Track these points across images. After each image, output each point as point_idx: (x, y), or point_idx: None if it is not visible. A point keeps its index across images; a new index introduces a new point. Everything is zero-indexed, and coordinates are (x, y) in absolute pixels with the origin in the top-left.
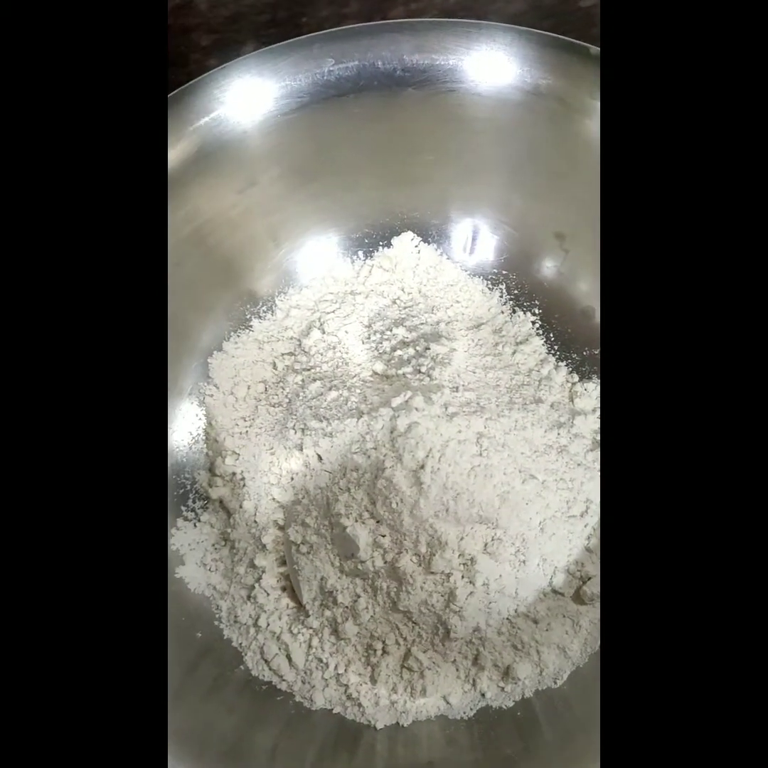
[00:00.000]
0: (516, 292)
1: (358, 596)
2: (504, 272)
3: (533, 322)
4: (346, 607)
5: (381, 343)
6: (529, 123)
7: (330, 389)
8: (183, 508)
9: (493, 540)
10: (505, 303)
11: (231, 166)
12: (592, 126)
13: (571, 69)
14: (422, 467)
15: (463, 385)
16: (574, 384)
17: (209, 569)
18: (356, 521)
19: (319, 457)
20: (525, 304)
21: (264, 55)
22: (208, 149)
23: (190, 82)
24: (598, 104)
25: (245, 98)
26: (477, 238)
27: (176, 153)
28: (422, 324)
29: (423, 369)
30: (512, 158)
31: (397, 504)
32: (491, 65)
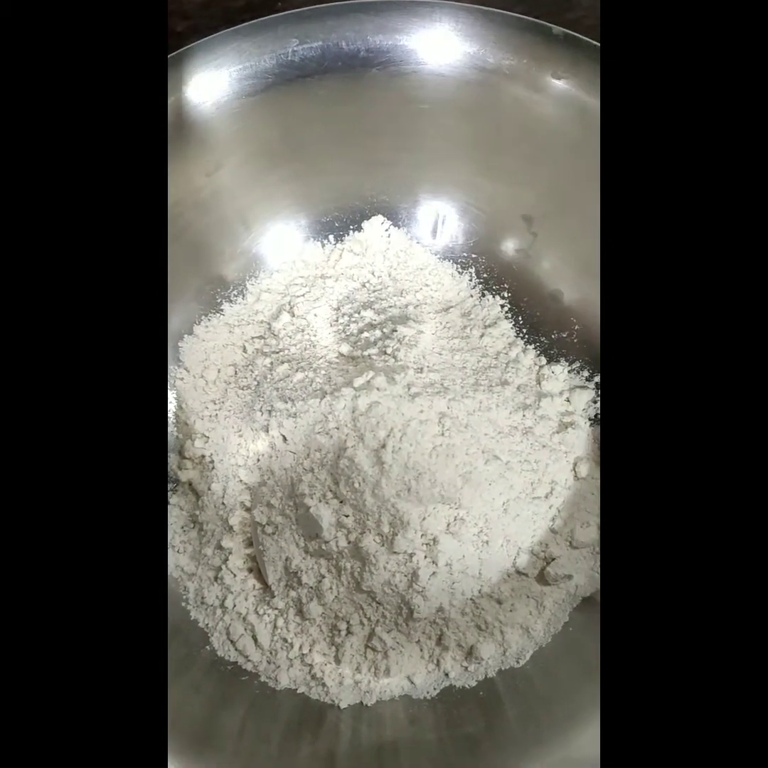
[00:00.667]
0: (485, 275)
1: (323, 576)
2: (473, 256)
3: (502, 306)
4: (311, 587)
5: (349, 325)
6: (492, 104)
7: (297, 371)
8: None
9: (455, 520)
10: (474, 287)
11: (198, 148)
12: (553, 107)
13: (534, 49)
14: (383, 446)
15: (428, 367)
16: (541, 367)
17: (178, 551)
18: (320, 501)
19: (284, 438)
20: (494, 287)
21: (228, 36)
22: (173, 131)
23: None
24: (559, 84)
25: (210, 79)
26: (446, 221)
27: None
28: (391, 307)
29: (388, 350)
30: (477, 140)
31: (359, 483)
32: (453, 45)
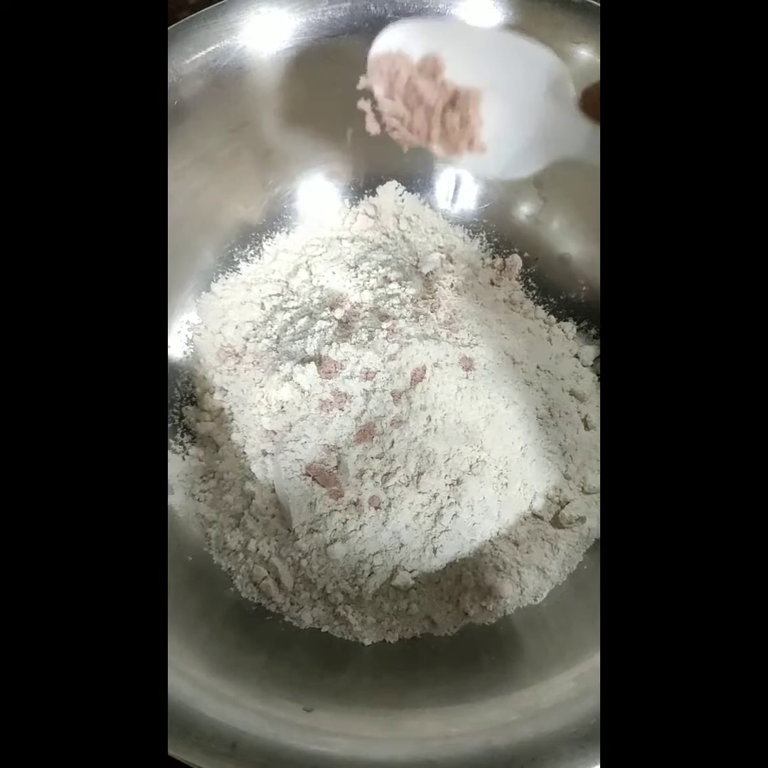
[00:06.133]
0: (496, 240)
1: (347, 519)
2: (485, 221)
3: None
4: (335, 529)
5: (368, 280)
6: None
7: (318, 321)
8: (171, 441)
9: (477, 462)
10: (485, 250)
11: (225, 104)
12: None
13: (553, 15)
14: (412, 387)
15: (447, 315)
16: (551, 326)
17: (197, 499)
18: (346, 445)
19: (310, 385)
20: (504, 251)
21: None
22: (202, 86)
23: (191, 16)
24: (575, 50)
25: (239, 36)
26: (459, 187)
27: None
28: (406, 265)
29: (408, 301)
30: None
31: (387, 425)
32: (477, 10)
